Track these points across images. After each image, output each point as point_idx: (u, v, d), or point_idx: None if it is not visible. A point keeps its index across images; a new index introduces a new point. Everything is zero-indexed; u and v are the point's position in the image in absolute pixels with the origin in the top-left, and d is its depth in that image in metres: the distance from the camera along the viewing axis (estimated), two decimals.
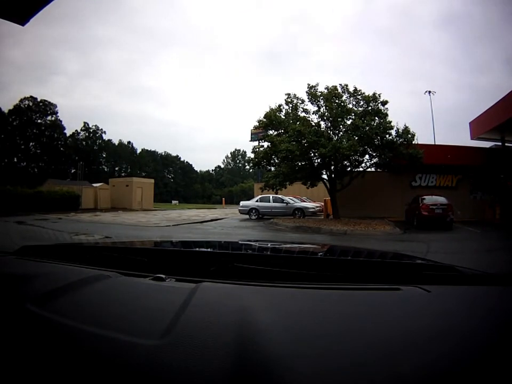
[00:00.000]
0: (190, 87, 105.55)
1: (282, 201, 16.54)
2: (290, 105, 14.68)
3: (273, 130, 14.70)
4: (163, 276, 0.81)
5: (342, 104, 13.96)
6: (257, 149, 15.52)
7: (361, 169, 14.99)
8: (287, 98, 14.70)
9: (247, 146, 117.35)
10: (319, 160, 14.22)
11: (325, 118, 14.18)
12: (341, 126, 14.09)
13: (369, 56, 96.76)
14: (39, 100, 48.70)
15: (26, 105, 48.05)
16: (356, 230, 10.61)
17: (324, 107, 14.16)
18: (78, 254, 1.11)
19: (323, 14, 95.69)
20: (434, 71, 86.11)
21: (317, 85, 14.38)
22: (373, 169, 15.51)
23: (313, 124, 14.06)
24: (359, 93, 14.24)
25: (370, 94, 14.08)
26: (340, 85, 14.32)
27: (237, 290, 0.74)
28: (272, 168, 15.24)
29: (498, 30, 76.72)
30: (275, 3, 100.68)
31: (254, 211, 16.42)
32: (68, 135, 53.04)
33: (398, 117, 32.25)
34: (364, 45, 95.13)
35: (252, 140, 33.79)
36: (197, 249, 1.29)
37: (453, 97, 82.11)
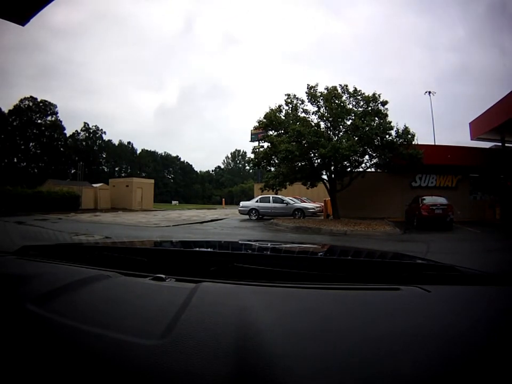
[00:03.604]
0: (190, 87, 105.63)
1: (282, 201, 16.54)
2: (290, 106, 14.70)
3: (273, 131, 14.72)
4: (163, 276, 0.81)
5: (342, 104, 13.98)
6: (257, 150, 15.55)
7: (361, 169, 15.01)
8: (286, 98, 14.73)
9: (247, 147, 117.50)
10: (319, 161, 14.24)
11: (325, 118, 14.21)
12: (341, 127, 14.12)
13: (369, 56, 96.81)
14: (39, 100, 48.80)
15: (26, 106, 47.96)
16: (356, 231, 10.61)
17: (323, 107, 14.18)
18: (78, 254, 1.11)
19: (322, 13, 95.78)
20: (435, 69, 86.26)
21: (317, 85, 14.44)
22: (373, 169, 15.56)
23: (313, 124, 14.08)
24: (359, 93, 14.27)
25: (370, 94, 14.11)
26: (340, 85, 14.39)
27: (237, 290, 0.74)
28: (272, 169, 15.27)
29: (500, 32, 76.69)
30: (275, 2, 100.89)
31: (254, 211, 16.41)
32: (68, 135, 53.10)
33: (397, 117, 32.29)
34: (363, 42, 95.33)
35: (252, 140, 33.80)
36: (197, 249, 1.29)
37: (452, 97, 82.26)
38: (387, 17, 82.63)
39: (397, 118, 25.06)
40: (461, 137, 46.52)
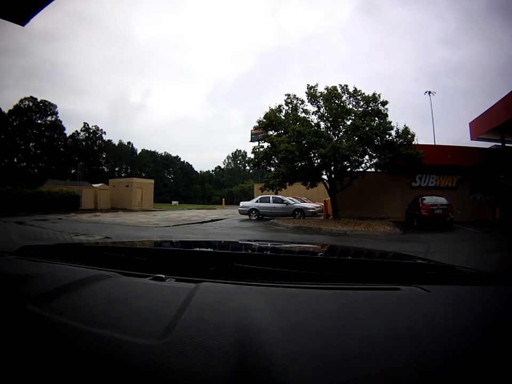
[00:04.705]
0: (190, 87, 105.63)
1: (282, 201, 16.54)
2: (290, 106, 14.70)
3: (273, 131, 14.72)
4: (163, 276, 0.81)
5: (342, 104, 13.96)
6: (257, 150, 15.57)
7: (361, 169, 15.01)
8: (286, 99, 14.72)
9: (248, 147, 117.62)
10: (319, 161, 14.23)
11: (325, 118, 14.20)
12: (341, 127, 14.10)
13: (369, 55, 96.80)
14: (39, 100, 48.76)
15: (26, 106, 47.90)
16: (356, 231, 10.62)
17: (323, 107, 14.17)
18: (78, 254, 1.11)
19: (322, 13, 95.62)
20: (436, 68, 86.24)
21: (317, 85, 14.43)
22: (373, 169, 15.54)
23: (313, 124, 14.07)
24: (359, 93, 14.26)
25: (370, 94, 14.10)
26: (340, 85, 14.36)
27: (237, 290, 0.74)
28: (272, 169, 15.25)
29: (500, 30, 76.59)
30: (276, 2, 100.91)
31: (254, 211, 16.42)
32: (68, 135, 53.05)
33: (397, 117, 32.22)
34: (364, 42, 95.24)
35: (252, 140, 33.77)
36: (197, 249, 1.29)
37: (452, 97, 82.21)
38: (385, 14, 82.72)
39: (397, 118, 25.06)
40: (461, 137, 46.62)
